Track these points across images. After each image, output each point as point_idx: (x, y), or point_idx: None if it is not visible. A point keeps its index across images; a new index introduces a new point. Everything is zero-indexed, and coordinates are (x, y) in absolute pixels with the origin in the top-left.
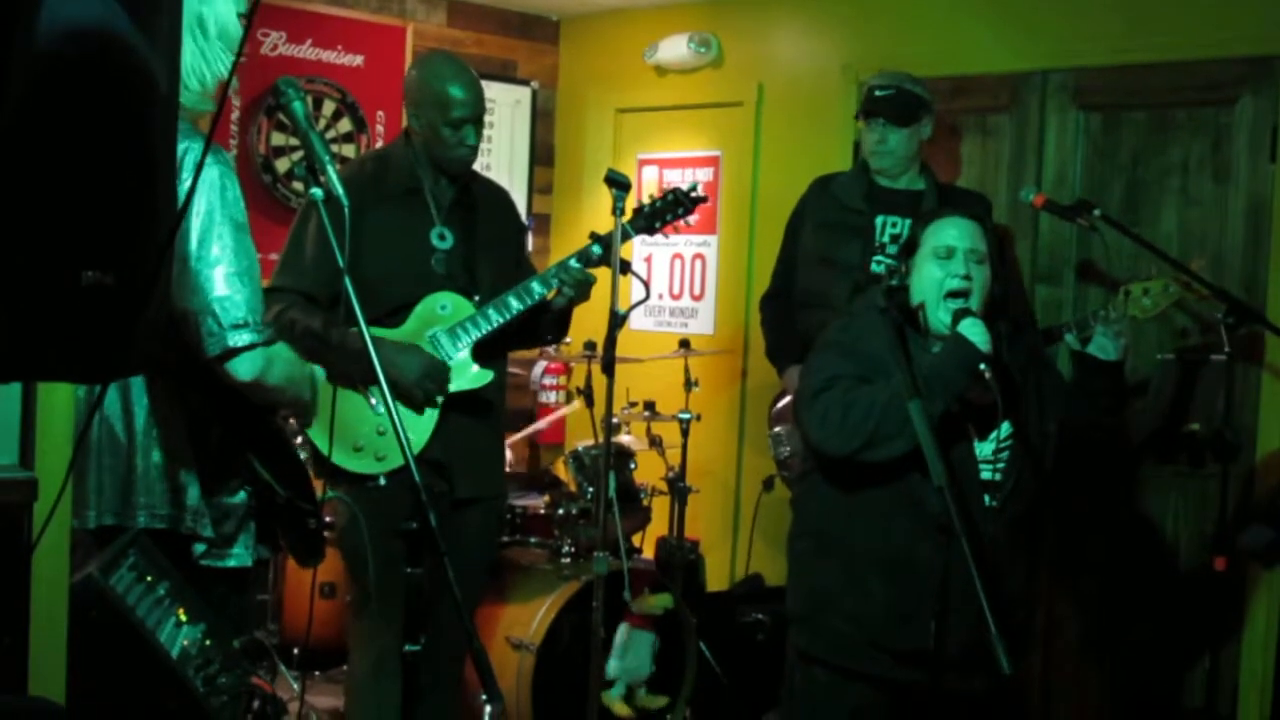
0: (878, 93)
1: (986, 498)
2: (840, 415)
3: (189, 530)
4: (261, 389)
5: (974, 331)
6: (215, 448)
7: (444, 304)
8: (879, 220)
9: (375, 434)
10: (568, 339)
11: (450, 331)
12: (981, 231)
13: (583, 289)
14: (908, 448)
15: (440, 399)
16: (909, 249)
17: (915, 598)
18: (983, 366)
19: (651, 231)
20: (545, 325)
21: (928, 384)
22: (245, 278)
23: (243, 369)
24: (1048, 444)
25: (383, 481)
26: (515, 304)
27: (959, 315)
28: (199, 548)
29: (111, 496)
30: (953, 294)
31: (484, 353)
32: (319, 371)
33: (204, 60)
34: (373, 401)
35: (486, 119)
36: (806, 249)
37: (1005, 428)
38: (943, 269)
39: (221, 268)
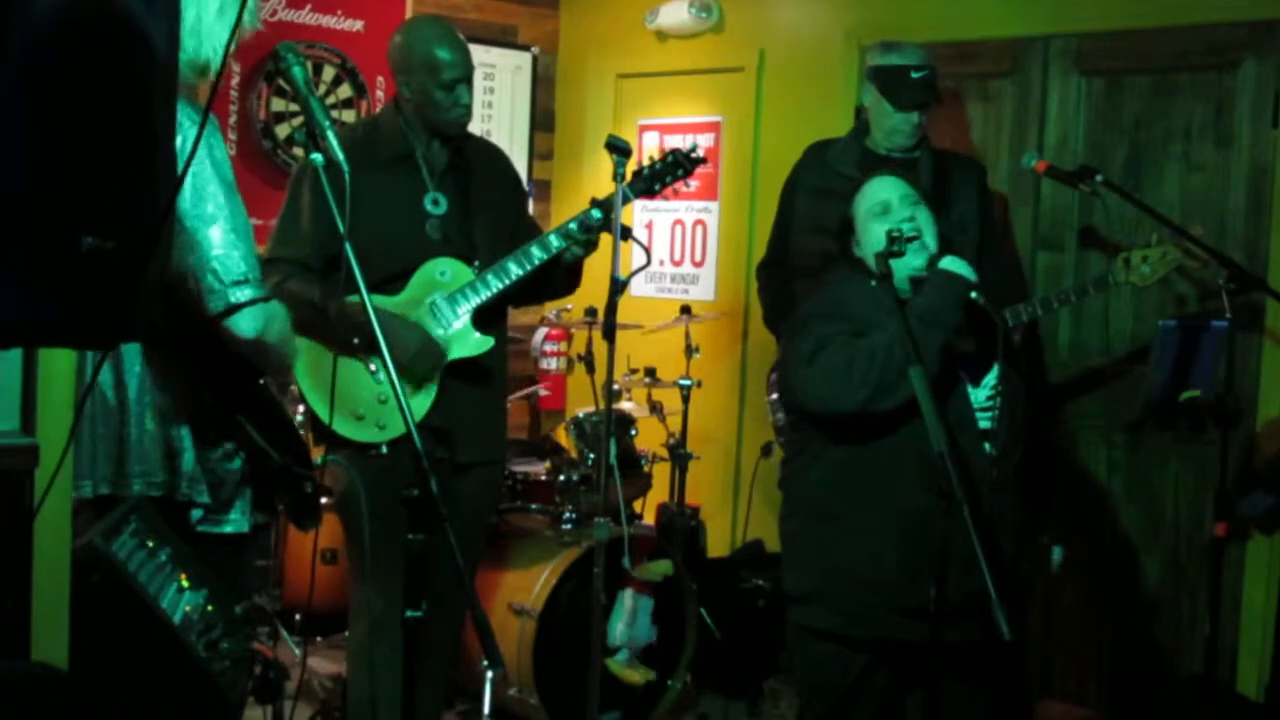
0: (915, 75)
1: (987, 445)
2: (845, 367)
3: (184, 497)
4: (261, 346)
5: (956, 264)
6: (209, 413)
7: (444, 270)
8: None
9: (376, 402)
10: (569, 305)
11: (450, 298)
12: (906, 181)
13: (592, 243)
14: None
15: (435, 377)
16: (847, 228)
17: (924, 552)
18: (975, 295)
19: (652, 194)
20: (557, 279)
21: (921, 321)
22: (240, 234)
23: (245, 325)
24: (1026, 393)
25: (384, 450)
26: (515, 269)
27: (934, 259)
28: (195, 514)
29: (106, 466)
30: (908, 239)
31: (485, 318)
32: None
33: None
34: (373, 369)
35: (487, 85)
36: (801, 215)
37: (993, 375)
38: (886, 223)
39: (217, 226)
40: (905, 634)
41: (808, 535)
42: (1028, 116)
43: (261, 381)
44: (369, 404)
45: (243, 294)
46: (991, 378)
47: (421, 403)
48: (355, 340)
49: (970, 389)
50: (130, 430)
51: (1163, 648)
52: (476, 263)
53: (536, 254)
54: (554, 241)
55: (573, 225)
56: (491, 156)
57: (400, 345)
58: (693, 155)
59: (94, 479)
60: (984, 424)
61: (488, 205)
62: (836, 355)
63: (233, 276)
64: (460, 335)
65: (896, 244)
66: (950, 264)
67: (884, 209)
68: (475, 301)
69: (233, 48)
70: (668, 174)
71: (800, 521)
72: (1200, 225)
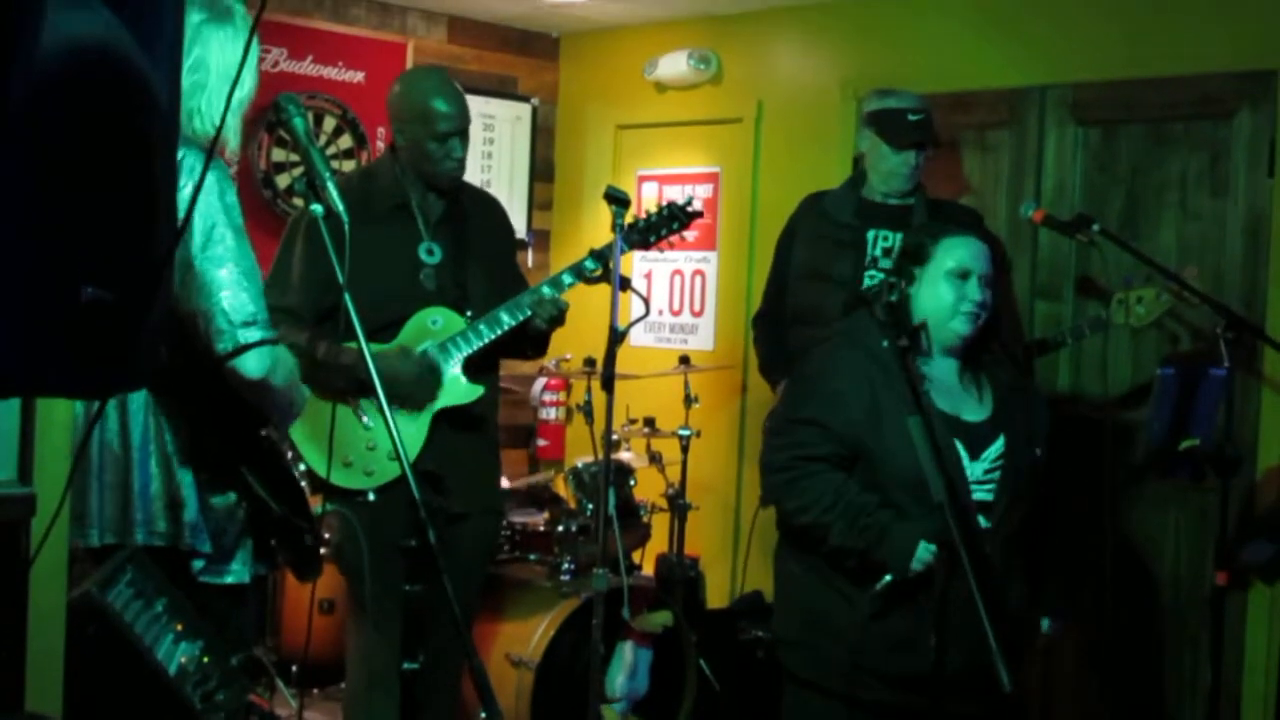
0: (911, 117)
1: (981, 519)
2: (785, 484)
3: (187, 546)
4: (267, 389)
5: (925, 550)
6: (212, 462)
7: (435, 319)
8: (870, 234)
9: (365, 449)
10: (568, 355)
11: (441, 347)
12: (989, 253)
13: (556, 321)
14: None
15: (427, 419)
16: (913, 258)
17: (915, 622)
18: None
19: (647, 246)
20: (524, 344)
21: (879, 544)
22: (249, 277)
23: (252, 365)
24: (1037, 467)
25: (372, 497)
26: (507, 319)
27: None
28: (197, 564)
29: (112, 514)
30: (970, 314)
31: (477, 367)
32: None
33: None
34: (365, 419)
35: (487, 135)
36: (799, 264)
37: (996, 447)
38: (956, 290)
39: (227, 268)
40: (894, 700)
41: (800, 581)
42: (1024, 166)
43: (264, 432)
44: (358, 450)
45: (251, 335)
46: (994, 451)
47: (410, 450)
48: (341, 384)
49: (968, 461)
50: (134, 478)
51: (1165, 697)
52: (469, 312)
53: (528, 303)
54: (546, 291)
55: (566, 275)
56: (486, 206)
57: (396, 375)
58: (688, 209)
59: (100, 528)
60: (980, 496)
61: (482, 255)
62: (788, 471)
63: (242, 317)
64: (452, 384)
65: (894, 291)
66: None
67: (963, 274)
68: (467, 350)
69: (231, 114)
70: (663, 226)
71: (793, 567)
72: (1194, 267)
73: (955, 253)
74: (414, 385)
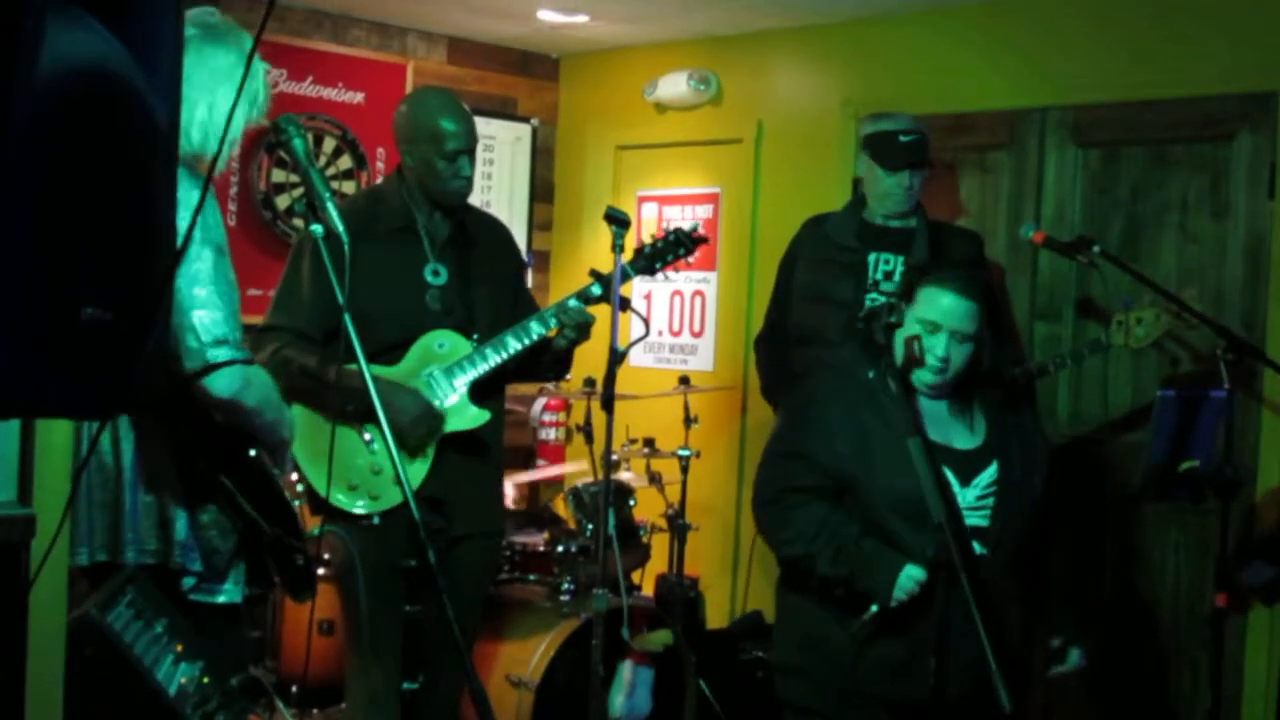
0: (903, 139)
1: (976, 545)
2: (773, 517)
3: (177, 565)
4: (238, 408)
5: (908, 578)
6: (203, 483)
7: (442, 341)
8: (871, 258)
9: (370, 473)
10: (568, 376)
11: (447, 370)
12: (974, 312)
13: (584, 330)
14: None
15: (431, 447)
16: (906, 293)
17: (915, 646)
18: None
19: (652, 272)
20: (546, 364)
21: (865, 571)
22: (224, 297)
23: (220, 385)
24: (1034, 496)
25: (376, 520)
26: (514, 343)
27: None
28: (188, 581)
29: (102, 533)
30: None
31: (482, 391)
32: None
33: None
34: (367, 438)
35: (487, 156)
36: (800, 286)
37: (989, 473)
38: (925, 340)
39: (201, 286)
40: None
41: (799, 607)
42: (1025, 187)
43: (254, 453)
44: (363, 474)
45: (220, 354)
46: (986, 477)
47: (417, 473)
48: (350, 408)
49: (959, 488)
50: (125, 498)
51: (1165, 719)
52: (475, 335)
53: (535, 329)
54: (552, 318)
55: (572, 301)
56: (492, 229)
57: (398, 411)
58: (694, 235)
59: (90, 546)
60: (974, 522)
61: (488, 277)
62: (794, 525)
63: (212, 336)
64: (457, 408)
65: (894, 314)
66: (907, 576)
67: (933, 329)
68: (472, 375)
69: (230, 137)
70: (669, 252)
71: (789, 594)
72: (1193, 290)
73: (930, 304)
74: (412, 424)
